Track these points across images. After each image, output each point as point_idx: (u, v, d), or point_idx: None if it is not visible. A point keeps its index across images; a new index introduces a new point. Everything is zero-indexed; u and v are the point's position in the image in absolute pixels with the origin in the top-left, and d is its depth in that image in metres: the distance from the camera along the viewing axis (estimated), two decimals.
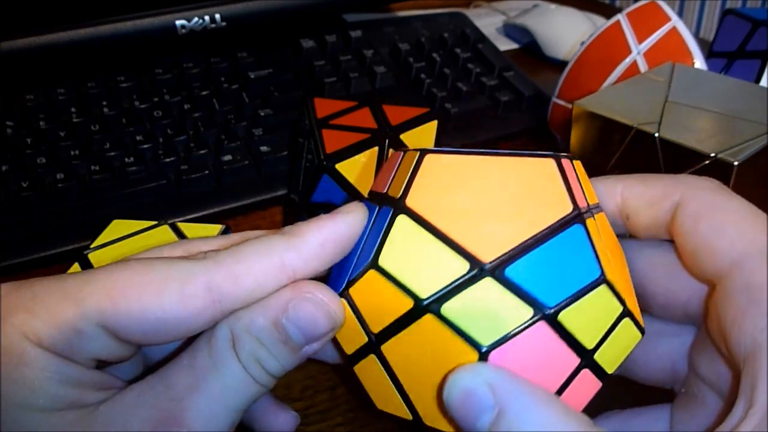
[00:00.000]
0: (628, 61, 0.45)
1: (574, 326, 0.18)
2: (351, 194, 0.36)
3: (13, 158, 0.44)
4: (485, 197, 0.19)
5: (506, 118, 0.53)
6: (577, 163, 0.21)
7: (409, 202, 0.19)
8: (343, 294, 0.20)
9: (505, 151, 0.20)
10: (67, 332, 0.18)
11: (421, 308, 0.18)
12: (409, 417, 0.20)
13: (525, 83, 0.56)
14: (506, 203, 0.19)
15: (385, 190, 0.21)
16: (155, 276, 0.19)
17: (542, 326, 0.18)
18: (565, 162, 0.20)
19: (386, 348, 0.20)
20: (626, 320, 0.19)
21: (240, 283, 0.19)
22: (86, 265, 0.30)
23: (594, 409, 0.23)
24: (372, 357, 0.20)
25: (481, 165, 0.19)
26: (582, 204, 0.19)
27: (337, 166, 0.35)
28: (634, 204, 0.23)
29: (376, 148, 0.36)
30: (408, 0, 0.71)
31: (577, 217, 0.19)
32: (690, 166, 0.33)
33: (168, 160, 0.45)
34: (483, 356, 0.18)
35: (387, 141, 0.36)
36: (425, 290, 0.18)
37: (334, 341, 0.21)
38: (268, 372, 0.19)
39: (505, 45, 0.70)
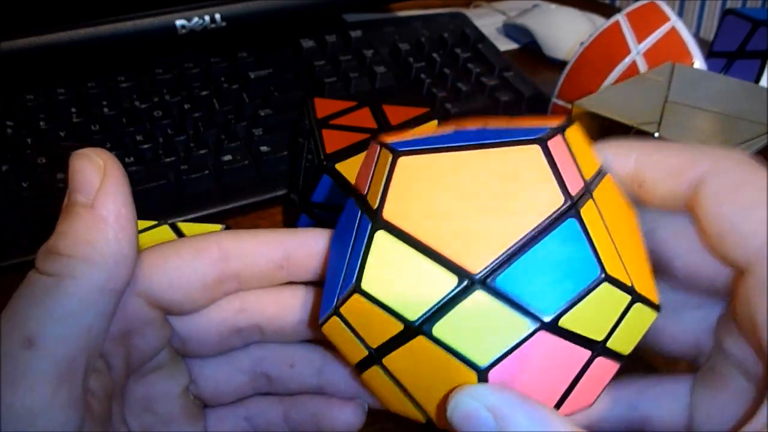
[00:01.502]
0: (627, 61, 0.45)
1: (579, 326, 0.17)
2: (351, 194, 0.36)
3: (13, 158, 0.44)
4: (467, 199, 0.17)
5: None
6: (572, 132, 0.19)
7: (387, 214, 0.17)
8: (335, 312, 0.19)
9: (485, 142, 0.17)
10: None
11: (411, 330, 0.17)
12: (422, 420, 0.20)
13: (525, 83, 0.56)
14: (491, 203, 0.17)
15: (365, 192, 0.19)
16: (174, 242, 0.21)
17: (543, 335, 0.17)
18: (554, 142, 0.17)
19: (387, 361, 0.19)
20: (637, 306, 0.18)
21: (244, 245, 0.21)
22: None
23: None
24: (376, 368, 0.20)
25: (459, 162, 0.17)
26: (576, 188, 0.17)
27: (337, 166, 0.35)
28: (650, 174, 0.21)
29: None
30: (408, 0, 0.71)
31: (570, 210, 0.17)
32: None
33: (168, 160, 0.45)
34: (481, 375, 0.17)
35: None
36: (414, 312, 0.17)
37: (340, 350, 0.20)
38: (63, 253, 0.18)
39: (505, 45, 0.70)
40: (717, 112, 0.36)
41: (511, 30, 0.73)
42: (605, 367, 0.19)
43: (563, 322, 0.17)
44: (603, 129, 0.36)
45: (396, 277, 0.17)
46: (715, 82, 0.40)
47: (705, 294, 0.22)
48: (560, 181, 0.17)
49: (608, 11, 0.78)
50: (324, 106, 0.40)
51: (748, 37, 0.50)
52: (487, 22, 0.75)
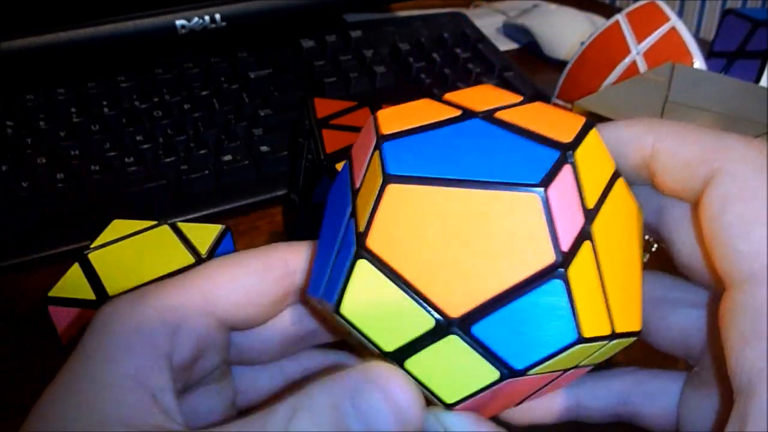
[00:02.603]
0: (627, 61, 0.45)
1: (550, 369, 0.17)
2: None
3: (13, 158, 0.44)
4: (456, 240, 0.16)
5: None
6: (586, 146, 0.17)
7: (371, 243, 0.17)
8: (319, 304, 0.19)
9: (483, 181, 0.17)
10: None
11: (385, 355, 0.18)
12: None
13: (525, 83, 0.56)
14: (480, 248, 0.16)
15: (357, 185, 0.19)
16: (238, 258, 0.20)
17: (512, 380, 0.17)
18: (557, 184, 0.16)
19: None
20: (614, 342, 0.18)
21: (308, 260, 0.20)
22: (86, 265, 0.30)
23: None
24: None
25: (452, 200, 0.17)
26: (572, 234, 0.17)
27: (337, 165, 0.35)
28: (665, 163, 0.19)
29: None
30: (408, 0, 0.71)
31: (558, 268, 0.16)
32: None
33: (168, 160, 0.45)
34: (447, 407, 0.18)
35: None
36: (388, 344, 0.17)
37: None
38: None
39: (505, 45, 0.70)
40: (717, 112, 0.36)
41: (511, 30, 0.73)
42: (576, 373, 0.19)
43: (533, 371, 0.17)
44: None
45: (374, 308, 0.17)
46: (715, 82, 0.40)
47: (701, 285, 0.21)
48: (554, 235, 0.16)
49: (608, 11, 0.78)
50: (324, 106, 0.40)
51: (748, 37, 0.50)
52: (487, 22, 0.75)
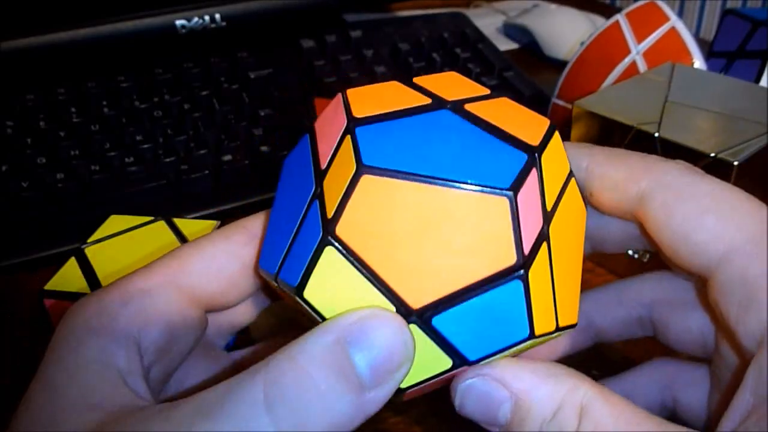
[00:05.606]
0: (627, 61, 0.45)
1: (497, 359, 0.18)
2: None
3: (13, 158, 0.44)
4: (424, 234, 0.17)
5: None
6: (550, 147, 0.18)
7: (340, 231, 0.17)
8: (275, 281, 0.19)
9: (456, 180, 0.17)
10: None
11: None
12: None
13: (525, 83, 0.56)
14: (445, 244, 0.17)
15: (323, 166, 0.18)
16: (207, 234, 0.21)
17: (462, 369, 0.18)
18: (525, 189, 0.17)
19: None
20: (555, 334, 0.19)
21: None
22: (83, 260, 0.31)
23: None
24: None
25: (423, 196, 0.17)
26: (533, 234, 0.17)
27: None
28: (598, 184, 0.21)
29: None
30: (408, 0, 0.71)
31: (519, 270, 0.17)
32: None
33: (168, 160, 0.45)
34: (398, 392, 0.18)
35: None
36: None
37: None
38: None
39: (505, 45, 0.70)
40: (717, 112, 0.36)
41: (511, 30, 0.73)
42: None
43: (483, 362, 0.18)
44: (603, 129, 0.36)
45: (338, 295, 0.17)
46: (715, 82, 0.40)
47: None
48: (518, 238, 0.17)
49: (608, 11, 0.78)
50: (325, 107, 0.40)
51: (748, 37, 0.50)
52: (487, 22, 0.75)
